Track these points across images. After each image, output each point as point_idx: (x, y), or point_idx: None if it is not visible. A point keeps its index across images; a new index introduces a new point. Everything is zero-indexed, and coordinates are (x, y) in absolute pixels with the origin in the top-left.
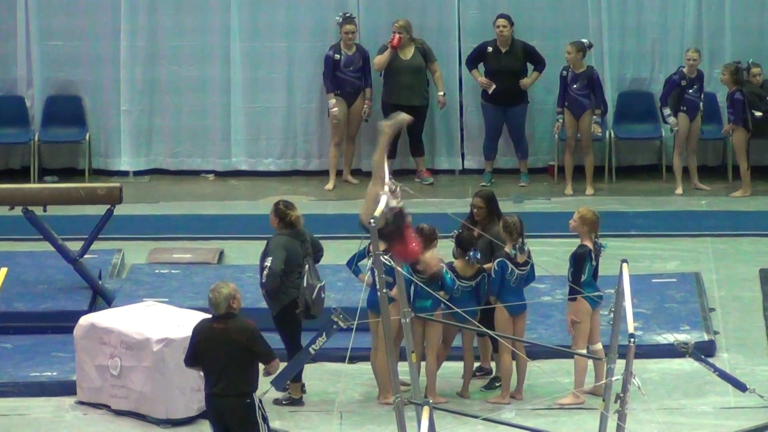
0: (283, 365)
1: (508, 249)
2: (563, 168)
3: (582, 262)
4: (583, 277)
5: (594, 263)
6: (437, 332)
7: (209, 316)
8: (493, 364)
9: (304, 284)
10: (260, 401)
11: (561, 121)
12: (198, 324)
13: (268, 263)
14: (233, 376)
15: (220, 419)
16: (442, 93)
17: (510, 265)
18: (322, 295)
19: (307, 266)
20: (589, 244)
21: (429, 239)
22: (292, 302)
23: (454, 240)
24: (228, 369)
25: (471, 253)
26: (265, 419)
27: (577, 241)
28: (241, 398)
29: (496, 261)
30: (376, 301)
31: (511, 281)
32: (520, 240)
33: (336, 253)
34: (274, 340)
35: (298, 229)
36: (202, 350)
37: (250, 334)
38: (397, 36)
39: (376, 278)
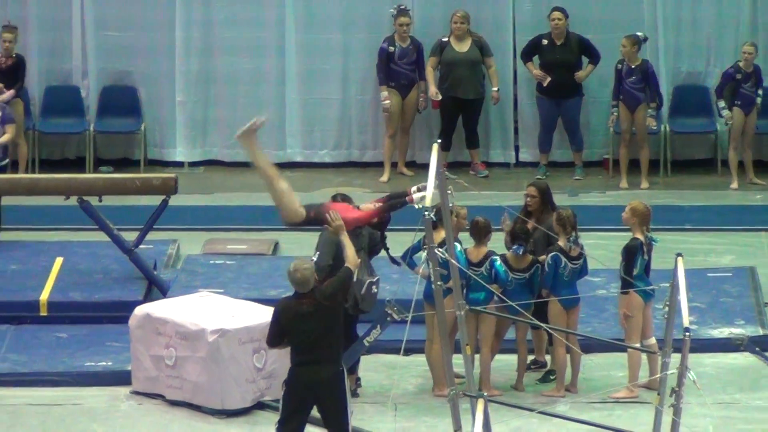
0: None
1: (561, 242)
2: (618, 161)
3: (633, 255)
4: (635, 271)
5: (646, 257)
6: (491, 325)
7: (261, 306)
8: (548, 357)
9: (354, 279)
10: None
11: (616, 114)
12: (281, 305)
13: (314, 258)
14: (328, 345)
15: (310, 390)
16: (496, 89)
17: (563, 259)
18: (374, 290)
19: (359, 261)
20: (641, 237)
21: (483, 233)
22: None
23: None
24: (322, 340)
25: (514, 247)
26: (351, 391)
27: (632, 234)
28: (335, 365)
29: (550, 255)
30: (432, 293)
31: (565, 275)
32: (574, 233)
33: (390, 245)
34: None
35: None
36: (291, 328)
37: (334, 290)
38: (438, 102)
39: (431, 271)
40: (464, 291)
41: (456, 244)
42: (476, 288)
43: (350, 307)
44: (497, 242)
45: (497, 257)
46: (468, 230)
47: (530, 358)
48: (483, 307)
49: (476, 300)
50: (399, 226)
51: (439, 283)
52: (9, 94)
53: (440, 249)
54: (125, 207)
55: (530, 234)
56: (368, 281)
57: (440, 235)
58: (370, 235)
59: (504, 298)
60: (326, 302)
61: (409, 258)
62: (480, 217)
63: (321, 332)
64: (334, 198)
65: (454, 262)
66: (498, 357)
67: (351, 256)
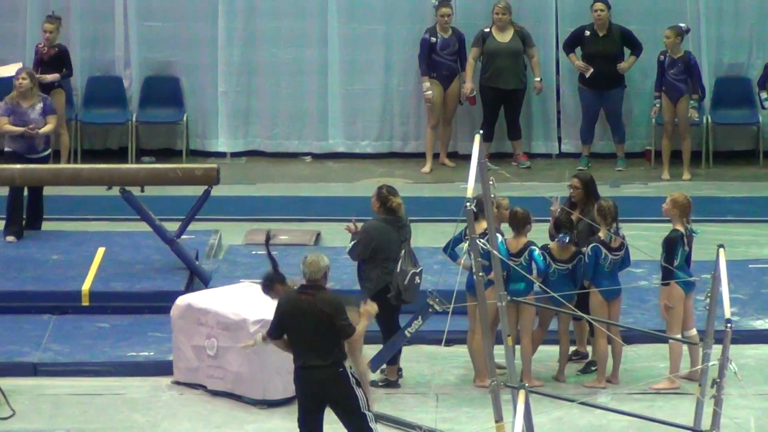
0: (376, 347)
1: (602, 233)
2: (660, 152)
3: (674, 246)
4: (676, 262)
5: (687, 248)
6: (531, 315)
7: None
8: (589, 348)
9: (397, 270)
10: (350, 367)
11: (658, 105)
12: (284, 296)
13: (349, 246)
14: (323, 347)
15: (314, 393)
16: (538, 79)
17: (604, 250)
18: (416, 281)
19: (403, 252)
20: (681, 229)
21: (523, 223)
22: (385, 287)
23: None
24: (317, 340)
25: (560, 236)
26: (358, 385)
27: (672, 226)
28: (335, 368)
29: (590, 246)
30: (474, 284)
31: (605, 266)
32: (615, 224)
33: (432, 235)
34: None
35: (398, 215)
36: (288, 321)
37: (336, 306)
38: (473, 98)
39: (473, 262)
40: (505, 282)
41: (497, 235)
42: (516, 279)
43: (393, 298)
44: (540, 233)
45: (536, 247)
46: (508, 221)
47: (572, 349)
48: (524, 298)
49: (516, 291)
50: (441, 216)
51: (480, 274)
52: (53, 76)
53: (482, 240)
54: (167, 197)
55: (574, 224)
56: (411, 272)
57: (481, 226)
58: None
59: (546, 288)
60: (324, 308)
61: (450, 249)
62: (519, 207)
63: (313, 333)
64: (379, 190)
65: (495, 252)
66: (540, 348)
67: (361, 330)
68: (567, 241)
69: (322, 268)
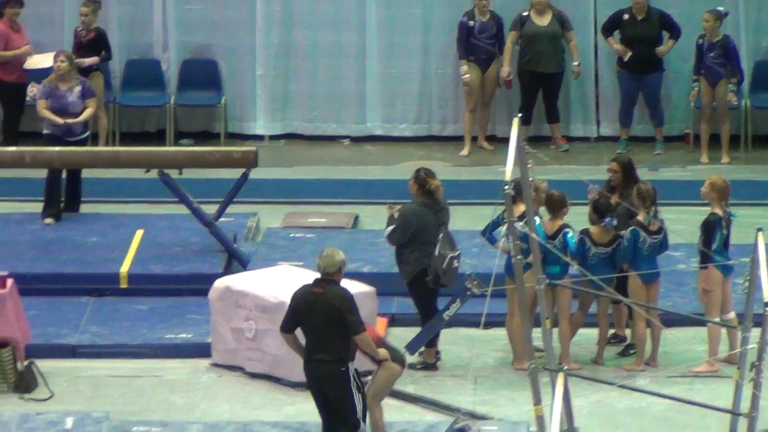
0: (415, 330)
1: (641, 217)
2: (699, 136)
3: (712, 229)
4: (714, 245)
5: (725, 231)
6: (568, 298)
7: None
8: (627, 332)
9: (435, 253)
10: (356, 371)
11: (697, 89)
12: (297, 290)
13: (388, 231)
14: (329, 342)
15: (318, 387)
16: (576, 63)
17: (642, 234)
18: (455, 265)
19: (441, 235)
20: (720, 212)
21: (559, 206)
22: (423, 271)
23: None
24: (325, 334)
25: (607, 219)
26: (360, 389)
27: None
28: (336, 364)
29: (629, 229)
30: (512, 267)
31: (644, 249)
32: (654, 208)
33: (470, 219)
34: (406, 305)
35: (436, 198)
36: (300, 315)
37: (346, 301)
38: (510, 82)
39: (511, 245)
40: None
41: (535, 218)
42: (551, 261)
43: (431, 282)
44: (576, 216)
45: (570, 230)
46: (544, 204)
47: (610, 332)
48: (559, 281)
49: (551, 273)
50: (479, 200)
51: (519, 257)
52: (92, 60)
53: (520, 223)
54: (205, 180)
55: (613, 208)
56: (450, 256)
57: (519, 209)
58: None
59: (585, 272)
60: (334, 302)
61: (488, 233)
62: (555, 190)
63: (321, 326)
64: (417, 173)
65: (534, 236)
66: (579, 331)
67: (382, 353)
68: (615, 224)
69: (337, 262)
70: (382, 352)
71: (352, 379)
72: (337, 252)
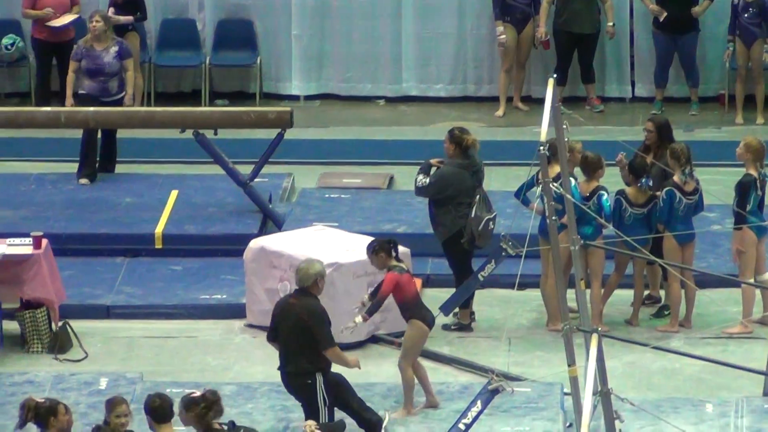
0: (449, 291)
1: (676, 177)
2: (734, 97)
3: (747, 190)
4: (749, 207)
5: (759, 192)
6: (600, 260)
7: (373, 239)
8: (662, 293)
9: (472, 215)
10: (323, 382)
11: (731, 49)
12: (279, 299)
13: (421, 182)
14: (296, 354)
15: (291, 392)
16: (611, 24)
17: (678, 194)
18: (491, 227)
19: (477, 197)
20: (754, 173)
21: (594, 168)
22: (459, 232)
23: (627, 167)
24: (292, 346)
25: (644, 180)
26: (326, 402)
27: (745, 170)
28: (302, 378)
29: (664, 190)
30: (547, 228)
31: (680, 210)
32: (689, 167)
33: (505, 179)
34: (441, 266)
35: (473, 156)
36: (276, 324)
37: (314, 315)
38: (547, 42)
39: (546, 206)
40: None
41: (570, 179)
42: (584, 222)
43: (466, 243)
44: (611, 177)
45: (605, 192)
46: (579, 166)
47: (645, 293)
48: (594, 241)
49: (583, 234)
50: (514, 160)
51: (554, 218)
52: (126, 18)
53: (555, 184)
54: (240, 140)
55: (649, 169)
56: (486, 218)
57: (554, 170)
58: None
59: (620, 233)
60: (302, 314)
61: (522, 195)
62: (590, 152)
63: (290, 337)
64: (451, 133)
65: (569, 197)
66: (614, 292)
67: (352, 361)
68: (651, 184)
69: (311, 275)
70: (353, 361)
71: (318, 391)
72: (313, 265)
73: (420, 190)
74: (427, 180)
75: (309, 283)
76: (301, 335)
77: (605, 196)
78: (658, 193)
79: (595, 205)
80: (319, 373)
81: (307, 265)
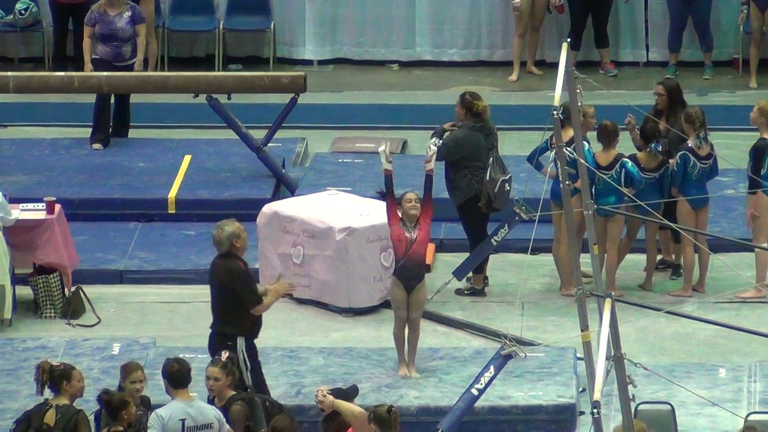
0: (463, 255)
1: (691, 141)
2: (748, 61)
3: (762, 155)
4: (763, 171)
5: None
6: (619, 227)
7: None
8: (674, 257)
9: (487, 178)
10: (246, 346)
11: (745, 12)
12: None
13: (437, 144)
14: (218, 315)
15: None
16: None
17: (692, 158)
18: (506, 188)
19: (491, 159)
20: None
21: (612, 136)
22: (475, 195)
23: (638, 131)
24: (215, 306)
25: (653, 145)
26: (247, 366)
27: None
28: (223, 339)
29: (679, 154)
30: (559, 192)
31: (693, 174)
32: (703, 131)
33: (518, 143)
34: (456, 230)
35: (485, 120)
36: (210, 287)
37: (234, 274)
38: (561, 7)
39: (559, 170)
40: (593, 196)
41: (584, 143)
42: (605, 192)
43: (483, 206)
44: (624, 141)
45: (628, 160)
46: (595, 133)
47: (658, 257)
48: (611, 207)
49: (606, 204)
50: (527, 125)
51: (567, 182)
52: None
53: (568, 148)
54: (254, 105)
55: (659, 133)
56: (501, 179)
57: (567, 134)
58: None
59: (635, 198)
60: (222, 275)
61: (536, 159)
62: (608, 120)
63: (213, 297)
64: (462, 97)
65: (582, 161)
66: (626, 256)
67: (267, 303)
68: (660, 149)
69: (224, 239)
70: (281, 289)
71: (239, 354)
72: (224, 228)
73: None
74: (437, 144)
75: (225, 248)
76: (223, 297)
77: (630, 163)
78: (671, 161)
79: (618, 173)
80: (241, 336)
81: (219, 230)
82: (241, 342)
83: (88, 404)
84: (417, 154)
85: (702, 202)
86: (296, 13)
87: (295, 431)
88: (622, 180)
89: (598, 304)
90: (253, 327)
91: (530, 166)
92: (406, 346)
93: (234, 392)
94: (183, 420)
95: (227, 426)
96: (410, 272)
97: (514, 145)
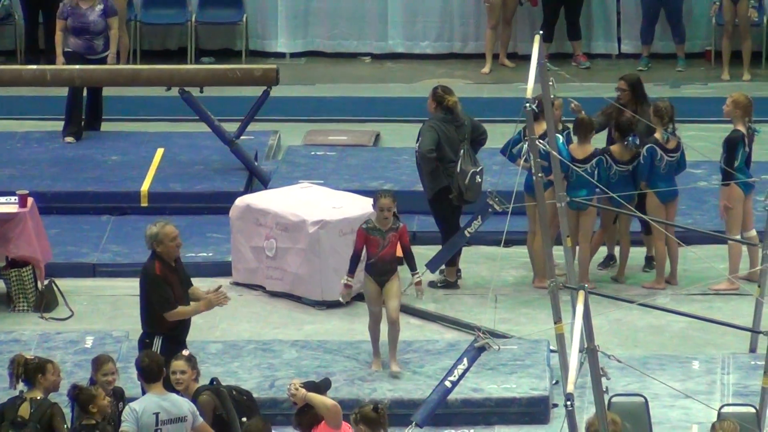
0: (435, 248)
1: (658, 135)
2: (720, 53)
3: (735, 147)
4: (736, 163)
5: (747, 149)
6: (591, 220)
7: (361, 197)
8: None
9: (457, 170)
10: (161, 346)
11: (718, 4)
12: None
13: (417, 144)
14: (141, 313)
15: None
16: None
17: (659, 152)
18: (478, 180)
19: (462, 151)
20: (743, 129)
21: (589, 130)
22: (446, 187)
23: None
24: (140, 306)
25: (630, 138)
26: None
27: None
28: (143, 336)
29: (645, 147)
30: (532, 185)
31: (661, 167)
32: (671, 125)
33: (491, 136)
34: (427, 223)
35: (455, 113)
36: None
37: (145, 275)
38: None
39: (532, 162)
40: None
41: (558, 136)
42: (577, 186)
43: (455, 198)
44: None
45: (560, 136)
46: (572, 127)
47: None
48: (584, 200)
49: (578, 197)
50: (500, 117)
51: (540, 174)
52: None
53: (541, 141)
54: (226, 98)
55: (634, 126)
56: (472, 171)
57: (541, 127)
58: (473, 125)
59: (605, 189)
60: (141, 275)
61: (509, 151)
62: (584, 114)
63: (140, 298)
64: (434, 91)
65: (555, 153)
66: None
67: (188, 310)
68: (638, 142)
69: (147, 241)
70: (203, 305)
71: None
72: (149, 229)
73: (419, 152)
74: (419, 141)
75: (148, 246)
76: (142, 295)
77: (561, 140)
78: (641, 149)
79: (593, 168)
80: (159, 336)
81: (147, 228)
82: (157, 342)
83: (62, 398)
84: (390, 147)
85: (671, 196)
86: (269, 6)
87: None
88: (596, 175)
89: (571, 296)
90: (174, 329)
91: (504, 158)
92: (382, 342)
93: (201, 385)
94: (157, 414)
95: (201, 419)
96: (381, 268)
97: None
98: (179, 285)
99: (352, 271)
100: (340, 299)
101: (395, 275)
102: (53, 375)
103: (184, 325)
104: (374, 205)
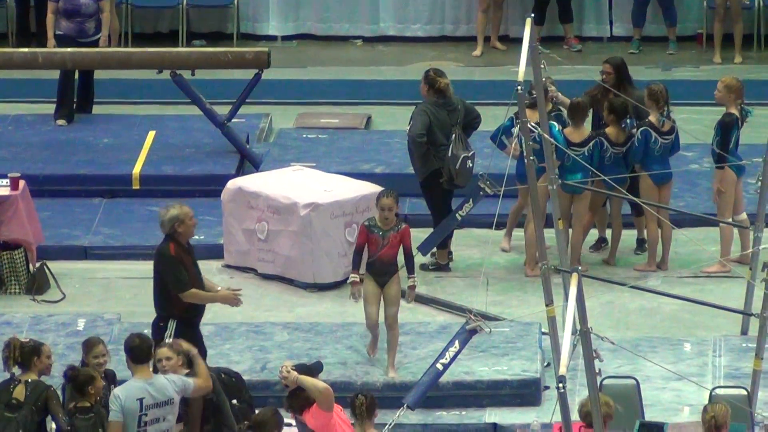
0: (427, 231)
1: (653, 117)
2: (712, 36)
3: (729, 130)
4: (730, 146)
5: (738, 132)
6: (585, 204)
7: (353, 180)
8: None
9: (449, 154)
10: (178, 331)
11: None
12: None
13: (408, 128)
14: (155, 297)
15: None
16: None
17: (654, 134)
18: (469, 165)
19: (454, 135)
20: (736, 112)
21: (584, 113)
22: (437, 171)
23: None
24: (154, 288)
25: (628, 121)
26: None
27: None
28: (157, 320)
29: (639, 129)
30: (525, 173)
31: (656, 150)
32: (666, 108)
33: (483, 119)
34: (419, 206)
35: (448, 97)
36: None
37: (160, 257)
38: None
39: (524, 145)
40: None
41: (553, 123)
42: (573, 169)
43: (445, 183)
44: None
45: (555, 123)
46: (566, 111)
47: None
48: (578, 182)
49: (573, 181)
50: (492, 100)
51: (531, 157)
52: None
53: (534, 124)
54: (218, 81)
55: (629, 109)
56: (463, 156)
57: (535, 116)
58: (466, 109)
59: (598, 173)
60: (155, 258)
61: (499, 138)
62: (580, 98)
63: (153, 280)
64: (426, 74)
65: (546, 136)
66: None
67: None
68: (635, 124)
69: (166, 223)
70: (221, 297)
71: (167, 337)
72: (168, 211)
73: (410, 136)
74: (410, 125)
75: (166, 230)
76: (157, 278)
77: (556, 128)
78: (633, 130)
79: (589, 152)
80: (172, 319)
81: (164, 212)
82: (171, 325)
83: (53, 380)
84: (381, 129)
85: (665, 178)
86: None
87: (278, 424)
88: (592, 158)
89: (562, 279)
90: (187, 311)
91: (493, 145)
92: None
93: (188, 369)
94: (141, 399)
95: (191, 385)
96: (380, 268)
97: None
98: (192, 266)
99: (356, 267)
100: (352, 299)
101: (395, 278)
102: (47, 358)
103: (197, 308)
104: (376, 204)
